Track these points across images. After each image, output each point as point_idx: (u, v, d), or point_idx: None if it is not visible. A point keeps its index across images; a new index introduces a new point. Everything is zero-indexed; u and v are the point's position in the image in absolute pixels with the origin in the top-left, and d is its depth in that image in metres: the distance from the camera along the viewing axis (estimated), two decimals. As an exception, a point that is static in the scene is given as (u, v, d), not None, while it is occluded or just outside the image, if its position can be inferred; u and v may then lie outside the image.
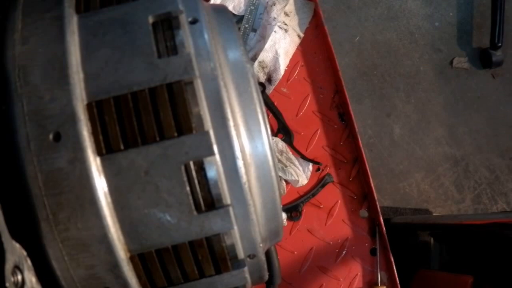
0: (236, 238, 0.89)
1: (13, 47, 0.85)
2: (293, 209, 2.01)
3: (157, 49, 0.85)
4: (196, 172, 0.83)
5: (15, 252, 0.78)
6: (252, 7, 2.10)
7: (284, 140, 2.03)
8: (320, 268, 1.99)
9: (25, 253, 0.81)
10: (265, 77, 2.06)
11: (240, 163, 0.87)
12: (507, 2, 3.05)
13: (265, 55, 2.05)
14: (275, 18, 2.09)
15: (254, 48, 2.08)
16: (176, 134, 0.82)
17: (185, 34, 0.87)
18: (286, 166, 1.99)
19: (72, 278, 0.85)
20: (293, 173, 1.99)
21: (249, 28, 2.10)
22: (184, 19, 0.88)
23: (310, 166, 2.02)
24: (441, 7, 3.15)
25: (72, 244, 0.82)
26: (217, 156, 0.84)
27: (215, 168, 0.84)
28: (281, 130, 2.04)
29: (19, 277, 0.78)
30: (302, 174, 2.00)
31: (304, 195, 2.02)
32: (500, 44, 3.02)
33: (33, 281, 0.81)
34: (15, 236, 0.78)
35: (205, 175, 0.84)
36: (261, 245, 0.94)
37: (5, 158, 0.81)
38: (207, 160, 0.83)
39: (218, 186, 0.85)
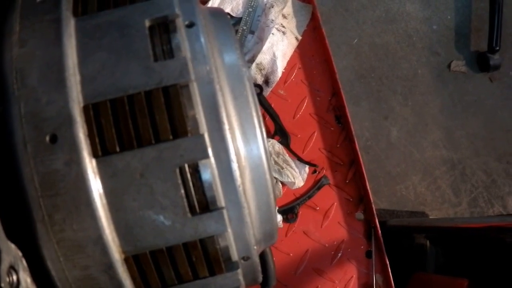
0: (230, 240, 0.89)
1: (10, 49, 0.86)
2: (289, 211, 2.02)
3: (153, 52, 0.86)
4: (191, 174, 0.84)
5: (11, 252, 0.78)
6: (250, 9, 2.11)
7: (280, 142, 2.03)
8: (315, 270, 2.00)
9: (20, 253, 0.81)
10: (263, 79, 2.06)
11: (234, 166, 0.87)
12: (505, 6, 3.06)
13: (263, 57, 2.06)
14: (273, 20, 2.09)
15: (252, 50, 2.09)
16: (171, 137, 0.83)
17: (182, 38, 0.88)
18: (282, 168, 2.00)
19: (67, 279, 0.85)
20: (290, 175, 2.00)
21: (247, 30, 2.11)
22: (180, 22, 0.89)
23: (307, 168, 2.03)
24: (439, 10, 3.16)
25: (68, 245, 0.83)
26: (212, 159, 0.85)
27: (209, 171, 0.85)
28: (278, 132, 2.05)
29: (14, 277, 0.78)
30: (298, 176, 2.00)
31: (300, 197, 2.03)
32: (498, 48, 3.03)
33: (28, 282, 0.82)
34: (10, 237, 0.79)
35: (200, 178, 0.85)
36: (255, 247, 0.95)
37: (1, 160, 0.82)
38: (202, 163, 0.84)
39: (212, 188, 0.85)
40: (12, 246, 0.80)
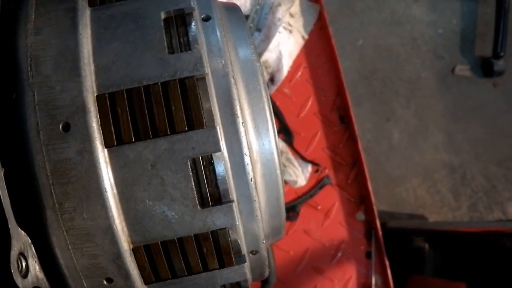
0: (240, 234, 0.90)
1: (25, 37, 0.86)
2: (290, 209, 2.02)
3: (168, 44, 0.86)
4: (204, 167, 0.85)
5: (20, 239, 0.79)
6: (257, 7, 2.11)
7: (284, 141, 2.04)
8: (315, 269, 2.00)
9: (29, 240, 0.81)
10: (268, 77, 2.07)
11: (247, 159, 0.88)
12: (510, 12, 3.06)
13: (269, 55, 2.06)
14: (280, 18, 2.10)
15: (258, 47, 2.09)
16: (186, 129, 0.83)
17: (198, 31, 0.88)
18: (285, 166, 2.00)
19: (75, 267, 0.86)
20: (292, 173, 2.00)
21: (254, 28, 2.11)
22: (197, 15, 0.89)
23: (309, 167, 2.03)
24: (445, 15, 3.16)
25: (77, 234, 0.83)
26: (225, 152, 0.85)
27: (223, 164, 0.85)
28: (282, 130, 2.05)
29: (23, 264, 0.79)
30: (300, 175, 2.01)
31: (302, 195, 2.04)
32: (502, 54, 3.04)
33: (37, 269, 0.82)
34: (20, 223, 0.79)
35: (213, 170, 0.85)
36: (263, 241, 0.95)
37: (14, 147, 0.82)
38: (215, 156, 0.85)
39: (225, 181, 0.86)
40: (22, 232, 0.80)
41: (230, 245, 0.89)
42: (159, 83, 0.83)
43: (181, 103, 0.83)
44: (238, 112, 0.87)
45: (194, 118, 0.83)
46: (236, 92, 0.88)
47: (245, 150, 0.88)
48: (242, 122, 0.88)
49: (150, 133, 0.83)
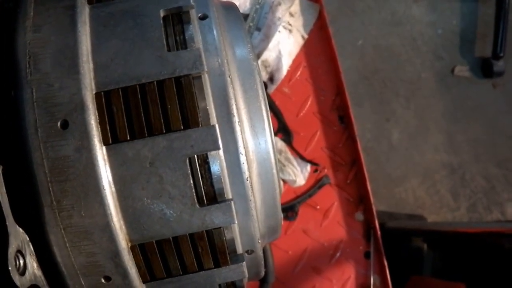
0: (235, 233, 0.90)
1: (24, 34, 0.86)
2: (289, 209, 2.02)
3: (167, 42, 0.86)
4: (200, 166, 0.84)
5: (18, 236, 0.78)
6: (257, 6, 2.11)
7: (283, 140, 2.04)
8: (313, 269, 2.00)
9: (27, 238, 0.81)
10: (267, 76, 2.07)
11: (243, 158, 0.88)
12: (510, 13, 3.06)
13: (268, 54, 2.06)
14: (279, 18, 2.10)
15: (258, 47, 2.09)
16: (182, 127, 0.83)
17: (195, 29, 0.88)
18: (284, 166, 2.00)
19: (72, 265, 0.85)
20: (291, 173, 2.00)
21: (254, 27, 2.11)
22: (194, 14, 0.89)
23: (308, 166, 2.03)
24: (445, 15, 3.16)
25: (75, 232, 0.83)
26: (221, 151, 0.85)
27: (218, 163, 0.85)
28: (281, 129, 2.05)
29: (21, 261, 0.78)
30: (299, 174, 2.00)
31: (301, 195, 2.03)
32: (502, 54, 3.04)
33: (35, 266, 0.82)
34: (18, 221, 0.79)
35: (209, 169, 0.85)
36: (259, 241, 0.95)
37: (12, 144, 0.82)
38: (211, 155, 0.84)
39: (220, 180, 0.86)
40: (20, 230, 0.79)
41: (225, 244, 0.88)
42: (155, 81, 0.83)
43: (176, 102, 0.83)
44: (234, 111, 0.87)
45: (190, 117, 0.83)
46: (232, 91, 0.88)
47: (241, 149, 0.87)
48: (238, 121, 0.88)
49: (146, 131, 0.82)
